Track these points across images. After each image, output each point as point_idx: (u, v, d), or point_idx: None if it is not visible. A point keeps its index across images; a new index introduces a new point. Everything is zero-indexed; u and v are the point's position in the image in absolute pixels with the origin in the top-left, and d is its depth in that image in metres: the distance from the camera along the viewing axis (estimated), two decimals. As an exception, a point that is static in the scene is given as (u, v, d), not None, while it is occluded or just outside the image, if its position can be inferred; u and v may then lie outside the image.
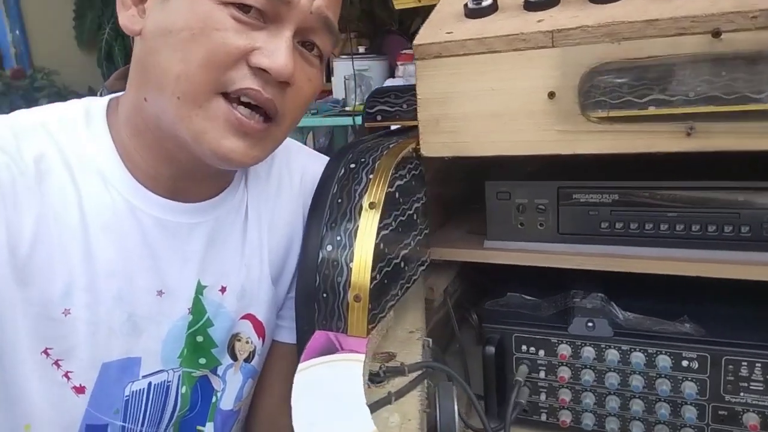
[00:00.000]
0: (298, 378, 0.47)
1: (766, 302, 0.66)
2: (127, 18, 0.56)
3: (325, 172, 0.58)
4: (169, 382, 0.65)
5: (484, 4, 0.59)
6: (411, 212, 0.62)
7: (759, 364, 0.59)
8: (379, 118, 0.65)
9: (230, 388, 0.70)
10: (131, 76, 0.59)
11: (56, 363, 0.57)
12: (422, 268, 0.67)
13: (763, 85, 0.49)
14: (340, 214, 0.55)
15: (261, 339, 0.71)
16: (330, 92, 2.66)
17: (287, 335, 0.73)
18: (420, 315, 0.67)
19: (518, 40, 0.55)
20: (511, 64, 0.56)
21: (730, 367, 0.60)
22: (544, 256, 0.71)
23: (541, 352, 0.68)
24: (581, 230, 0.71)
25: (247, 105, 0.54)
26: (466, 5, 0.60)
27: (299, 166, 0.73)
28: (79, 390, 0.58)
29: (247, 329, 0.70)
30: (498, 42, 0.56)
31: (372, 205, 0.54)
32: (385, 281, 0.56)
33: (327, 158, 0.73)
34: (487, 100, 0.58)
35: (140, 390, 0.62)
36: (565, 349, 0.67)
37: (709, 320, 0.65)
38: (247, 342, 0.70)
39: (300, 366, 0.49)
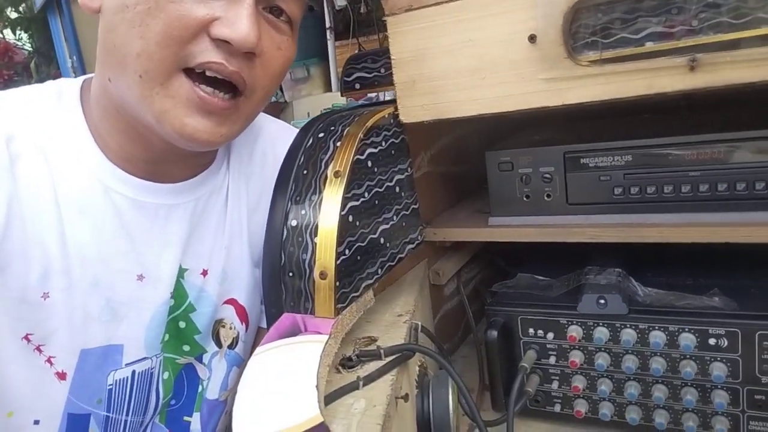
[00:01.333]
0: (250, 363, 0.43)
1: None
2: None
3: (292, 144, 0.54)
4: (153, 368, 0.63)
5: (458, -52, 0.53)
6: (391, 184, 0.57)
7: (802, 340, 0.51)
8: (357, 86, 0.60)
9: (215, 377, 0.67)
10: (98, 57, 0.57)
11: (38, 348, 0.56)
12: (411, 246, 0.61)
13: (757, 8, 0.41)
14: (305, 185, 0.50)
15: (244, 324, 0.68)
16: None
17: None
18: (412, 299, 0.61)
19: (492, -20, 0.49)
20: (486, 8, 0.50)
21: (766, 343, 0.52)
22: (553, 230, 0.64)
23: (550, 335, 0.61)
24: (593, 199, 0.63)
25: (212, 80, 0.51)
26: (440, -48, 0.55)
27: (285, 146, 0.70)
28: (61, 376, 0.57)
29: (230, 314, 0.67)
30: (470, -15, 0.50)
31: (337, 174, 0.49)
32: (358, 258, 0.51)
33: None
34: (465, 52, 0.52)
35: (124, 378, 0.61)
36: (575, 331, 0.59)
37: (742, 293, 0.57)
38: (231, 327, 0.67)
39: (257, 350, 0.44)
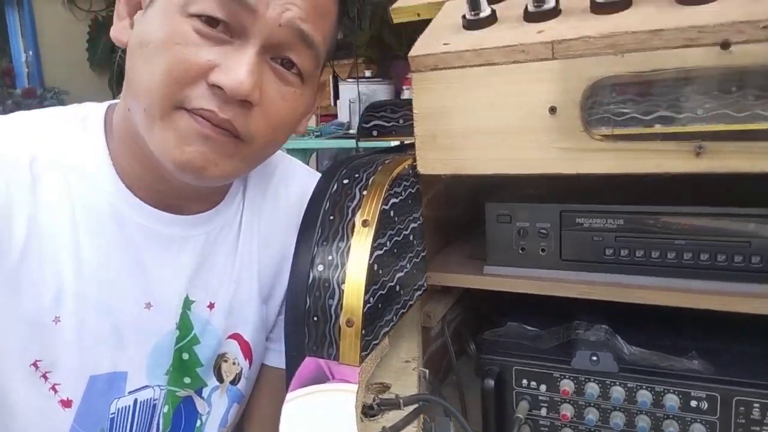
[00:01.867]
0: (286, 409, 0.43)
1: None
2: (117, 29, 0.57)
3: (316, 188, 0.55)
4: (156, 400, 0.62)
5: (482, 15, 0.57)
6: (407, 232, 0.59)
7: (775, 404, 0.55)
8: (374, 133, 0.62)
9: (215, 412, 0.67)
10: (123, 86, 0.58)
11: (44, 375, 0.55)
12: (419, 293, 0.63)
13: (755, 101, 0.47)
14: (332, 232, 0.52)
15: (248, 361, 0.68)
16: (335, 115, 2.69)
17: (277, 359, 0.70)
18: (416, 343, 0.63)
19: (517, 52, 0.52)
20: (510, 77, 0.53)
21: (742, 408, 0.56)
22: (546, 283, 0.68)
23: (543, 387, 0.64)
24: (585, 257, 0.67)
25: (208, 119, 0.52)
26: (464, 16, 0.59)
27: (298, 184, 0.71)
28: (66, 404, 0.57)
29: (234, 349, 0.67)
30: (497, 53, 0.53)
31: (365, 223, 0.51)
32: (380, 305, 0.52)
33: (311, 171, 0.71)
34: (486, 115, 0.55)
35: (126, 407, 0.60)
36: (567, 385, 0.62)
37: (719, 357, 0.61)
38: (234, 363, 0.67)
39: (288, 396, 0.45)
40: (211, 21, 0.50)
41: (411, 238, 0.60)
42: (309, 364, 0.49)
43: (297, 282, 0.51)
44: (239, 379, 0.68)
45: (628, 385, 0.60)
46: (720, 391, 0.57)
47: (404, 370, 0.57)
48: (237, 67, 0.50)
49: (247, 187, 0.69)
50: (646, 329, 0.67)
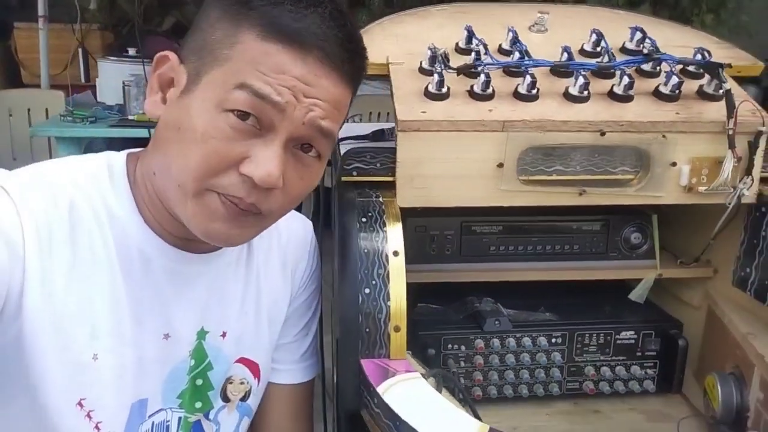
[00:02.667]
0: (388, 397, 0.59)
1: (589, 293, 1.01)
2: (151, 104, 0.61)
3: (344, 227, 0.69)
4: (168, 422, 0.69)
5: (443, 90, 0.77)
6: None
7: (594, 334, 0.93)
8: (354, 173, 0.77)
9: (225, 427, 0.74)
10: (149, 148, 0.64)
11: (88, 415, 0.60)
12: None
13: (616, 164, 0.80)
14: (370, 262, 0.68)
15: (257, 379, 0.76)
16: (88, 88, 2.41)
17: (286, 377, 0.80)
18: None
19: (479, 124, 0.75)
20: (472, 140, 0.76)
21: (579, 338, 0.93)
22: (451, 273, 0.94)
23: (463, 347, 0.91)
24: (477, 253, 0.95)
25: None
26: (426, 88, 0.78)
27: (285, 225, 0.78)
28: None
29: (240, 371, 0.75)
30: (464, 124, 0.75)
31: (396, 253, 0.68)
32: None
33: (304, 217, 0.81)
34: (452, 165, 0.77)
35: (147, 431, 0.66)
36: (480, 343, 0.90)
37: (558, 309, 0.97)
38: (242, 383, 0.75)
39: (380, 389, 0.61)
40: (243, 115, 0.55)
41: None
42: (369, 364, 0.65)
43: (348, 302, 0.66)
44: (249, 396, 0.76)
45: (517, 335, 0.91)
46: (567, 330, 0.92)
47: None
48: (266, 162, 0.56)
49: None
50: (512, 297, 0.99)
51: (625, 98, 0.79)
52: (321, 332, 0.85)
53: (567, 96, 0.80)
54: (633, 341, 0.94)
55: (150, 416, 0.66)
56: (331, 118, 0.59)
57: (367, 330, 0.66)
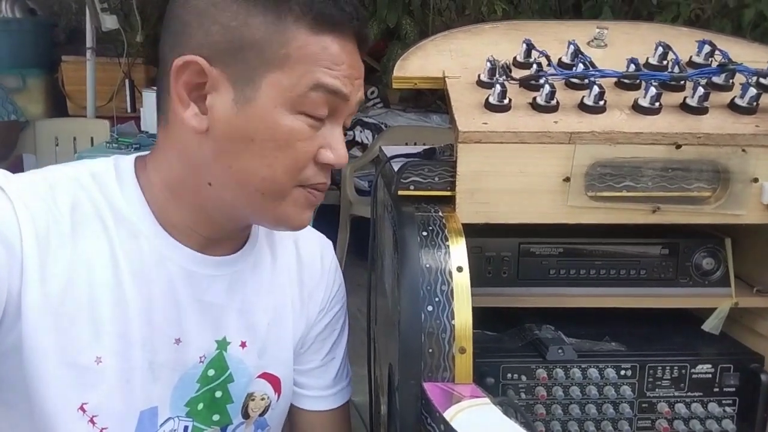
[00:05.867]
0: (457, 424, 0.54)
1: (658, 322, 0.94)
2: (193, 118, 0.58)
3: (403, 241, 0.65)
4: (176, 431, 0.65)
5: (505, 102, 0.74)
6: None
7: (668, 367, 0.85)
8: (411, 187, 0.74)
9: None
10: (192, 164, 0.61)
11: (91, 420, 0.57)
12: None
13: (692, 180, 0.75)
14: (432, 278, 0.63)
15: (277, 394, 0.73)
16: (132, 119, 2.49)
17: (320, 404, 0.78)
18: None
19: (545, 136, 0.71)
20: (536, 153, 0.72)
21: (651, 371, 0.86)
22: (508, 298, 0.89)
23: (523, 377, 0.84)
24: (535, 276, 0.90)
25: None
26: (487, 100, 0.75)
27: (306, 240, 0.79)
28: None
29: (262, 387, 0.72)
30: (529, 136, 0.71)
31: (460, 269, 0.64)
32: (467, 332, 0.66)
33: (322, 235, 0.80)
34: (516, 180, 0.73)
35: None
36: (543, 373, 0.84)
37: (623, 338, 0.90)
38: (262, 399, 0.72)
39: (447, 415, 0.55)
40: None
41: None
42: (432, 388, 0.60)
43: (409, 321, 0.62)
44: (267, 411, 0.73)
45: (582, 366, 0.85)
46: (638, 361, 0.85)
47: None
48: (338, 147, 0.61)
49: (269, 236, 0.74)
50: (573, 325, 0.93)
51: (700, 110, 0.75)
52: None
53: (637, 108, 0.75)
54: (710, 375, 0.86)
55: (161, 425, 0.63)
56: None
57: (430, 351, 0.61)
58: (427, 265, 0.64)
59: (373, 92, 3.76)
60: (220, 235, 0.65)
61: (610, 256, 0.90)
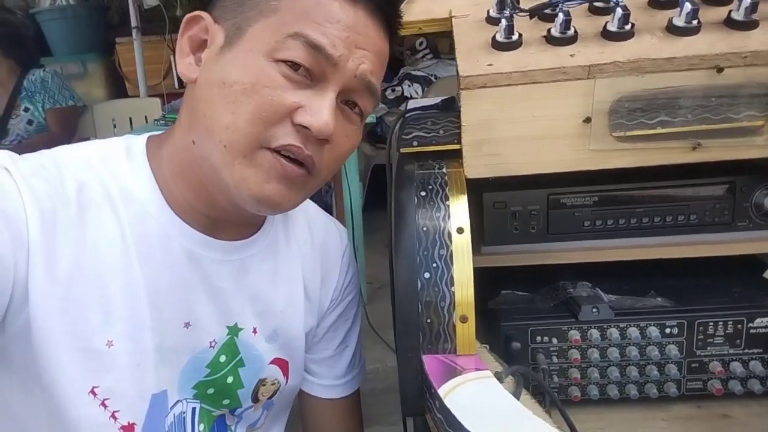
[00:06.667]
0: (450, 403, 0.49)
1: (712, 273, 0.84)
2: (185, 66, 0.58)
3: (399, 203, 0.60)
4: (184, 413, 0.64)
5: (513, 38, 0.65)
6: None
7: (720, 323, 0.76)
8: (415, 143, 0.68)
9: (245, 420, 0.70)
10: (181, 119, 0.60)
11: (103, 403, 0.56)
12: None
13: (740, 108, 0.64)
14: (430, 242, 0.58)
15: (286, 378, 0.72)
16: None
17: (332, 392, 0.76)
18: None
19: (559, 73, 0.62)
20: (550, 93, 0.63)
21: (701, 328, 0.76)
22: (538, 255, 0.81)
23: (555, 340, 0.78)
24: (568, 230, 0.82)
25: (287, 157, 0.56)
26: (494, 38, 0.66)
27: (323, 224, 0.74)
28: (128, 428, 0.58)
29: (273, 372, 0.70)
30: (540, 74, 0.63)
31: (460, 230, 0.58)
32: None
33: (338, 222, 0.76)
34: (528, 125, 0.65)
35: (171, 423, 0.62)
36: (575, 335, 0.77)
37: (671, 293, 0.81)
38: (273, 384, 0.71)
39: (441, 392, 0.51)
40: (294, 66, 0.54)
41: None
42: (432, 361, 0.56)
43: (405, 291, 0.57)
44: (275, 394, 0.71)
45: (620, 325, 0.77)
46: (685, 318, 0.76)
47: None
48: (321, 110, 0.54)
49: (286, 223, 0.71)
50: (614, 281, 0.85)
51: (748, 25, 0.63)
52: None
53: (671, 29, 0.64)
54: (772, 330, 0.76)
55: (171, 407, 0.62)
56: (377, 74, 0.59)
57: (429, 321, 0.56)
58: (425, 228, 0.58)
59: (421, 43, 3.61)
60: (224, 216, 0.62)
61: (654, 202, 0.80)
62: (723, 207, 0.80)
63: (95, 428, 0.56)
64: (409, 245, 0.57)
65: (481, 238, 0.83)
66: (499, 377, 0.59)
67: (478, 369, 0.54)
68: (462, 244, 0.57)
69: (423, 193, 0.61)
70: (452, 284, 0.56)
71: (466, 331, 0.56)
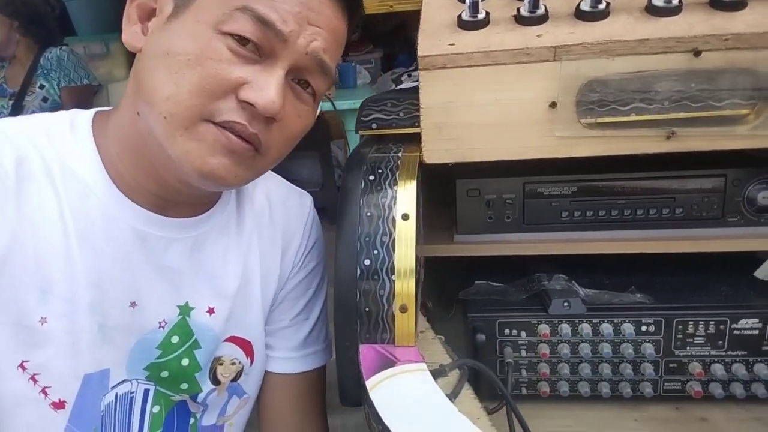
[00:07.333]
0: (375, 395, 0.48)
1: (699, 270, 0.80)
2: (130, 35, 0.56)
3: (345, 187, 0.58)
4: (133, 393, 0.63)
5: (479, 17, 0.62)
6: (419, 218, 0.64)
7: (702, 322, 0.72)
8: (374, 126, 0.65)
9: (213, 407, 0.69)
10: (128, 91, 0.58)
11: (33, 378, 0.56)
12: (422, 268, 0.69)
13: (723, 95, 0.59)
14: (372, 228, 0.55)
15: (249, 358, 0.70)
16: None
17: (286, 366, 0.73)
18: (421, 316, 0.69)
19: (523, 54, 0.59)
20: (514, 76, 0.60)
21: (680, 327, 0.72)
22: (512, 245, 0.78)
23: (523, 333, 0.75)
24: (544, 220, 0.78)
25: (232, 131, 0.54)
26: (460, 16, 0.63)
27: (280, 198, 0.72)
28: (59, 405, 0.57)
29: (230, 351, 0.69)
30: (503, 55, 0.59)
31: (405, 217, 0.55)
32: (416, 288, 0.58)
33: (302, 191, 0.73)
34: (491, 109, 0.61)
35: (110, 403, 0.61)
36: (545, 329, 0.74)
37: (651, 289, 0.77)
38: (233, 363, 0.69)
39: (368, 384, 0.49)
40: (242, 40, 0.52)
41: (420, 222, 0.66)
42: (368, 351, 0.54)
43: (344, 277, 0.55)
44: (240, 375, 0.70)
45: (593, 321, 0.74)
46: (663, 315, 0.72)
47: (425, 340, 0.64)
48: (267, 87, 0.52)
49: (239, 198, 0.69)
50: (593, 275, 0.81)
51: (735, 5, 0.58)
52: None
53: (649, 9, 0.60)
54: (757, 332, 0.72)
55: (113, 387, 0.61)
56: (331, 52, 0.57)
57: (367, 309, 0.54)
58: (369, 214, 0.56)
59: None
60: (175, 195, 0.60)
61: (637, 193, 0.76)
62: (712, 201, 0.75)
63: (23, 402, 0.56)
64: (350, 230, 0.55)
65: (454, 226, 0.81)
66: (443, 370, 0.57)
67: (414, 361, 0.52)
68: (406, 231, 0.55)
69: (372, 177, 0.58)
70: (393, 273, 0.54)
71: (405, 322, 0.54)
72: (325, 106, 2.10)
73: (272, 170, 0.63)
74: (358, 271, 0.54)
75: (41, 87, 2.39)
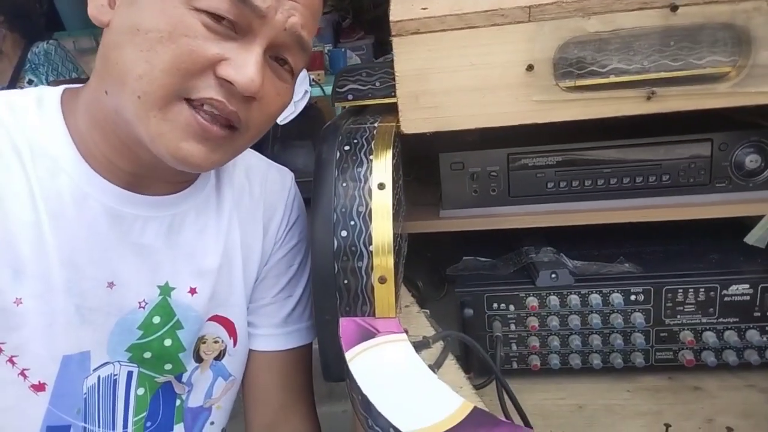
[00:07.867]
0: (353, 366, 0.46)
1: (688, 238, 0.78)
2: (96, 8, 0.53)
3: (319, 158, 0.56)
4: (116, 375, 0.62)
5: (452, -20, 0.60)
6: (400, 190, 0.63)
7: (691, 290, 0.71)
8: (350, 97, 0.64)
9: (198, 388, 0.68)
10: (96, 68, 0.55)
11: (11, 360, 0.54)
12: (405, 243, 0.68)
13: (703, 53, 0.58)
14: (348, 198, 0.54)
15: (232, 339, 0.69)
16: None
17: (268, 343, 0.71)
18: (405, 290, 0.68)
19: (497, 15, 0.57)
20: (489, 38, 0.58)
21: (669, 295, 0.71)
22: (498, 218, 0.77)
23: (512, 307, 0.74)
24: (530, 192, 0.77)
25: (210, 112, 0.52)
26: (433, -19, 0.61)
27: (261, 174, 0.71)
28: (39, 387, 0.56)
29: (214, 330, 0.67)
30: (477, 17, 0.58)
31: (381, 186, 0.54)
32: (397, 260, 0.56)
33: (282, 167, 0.72)
34: (467, 74, 0.60)
35: (93, 385, 0.60)
36: (533, 301, 0.73)
37: (640, 258, 0.76)
38: (216, 342, 0.68)
39: (348, 355, 0.48)
40: (216, 17, 0.50)
41: (401, 194, 0.64)
42: (348, 324, 0.52)
43: (321, 250, 0.53)
44: (223, 355, 0.69)
45: (582, 292, 0.72)
46: (652, 284, 0.71)
47: (410, 314, 0.63)
48: (246, 65, 0.50)
49: (218, 175, 0.67)
50: (580, 246, 0.80)
51: (712, -43, 0.56)
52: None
53: (626, -34, 0.58)
54: (748, 298, 0.71)
55: (95, 370, 0.60)
56: (309, 28, 0.55)
57: (346, 282, 0.53)
58: (344, 184, 0.55)
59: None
60: (150, 171, 0.59)
61: (623, 161, 0.75)
62: (699, 166, 0.74)
63: (2, 385, 0.54)
64: (326, 202, 0.54)
65: (439, 201, 0.80)
66: (426, 342, 0.56)
67: (391, 332, 0.51)
68: (383, 201, 0.54)
69: (347, 148, 0.57)
70: (370, 243, 0.53)
71: (385, 293, 0.53)
72: (316, 92, 2.09)
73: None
74: (336, 244, 0.53)
75: (30, 82, 2.36)
